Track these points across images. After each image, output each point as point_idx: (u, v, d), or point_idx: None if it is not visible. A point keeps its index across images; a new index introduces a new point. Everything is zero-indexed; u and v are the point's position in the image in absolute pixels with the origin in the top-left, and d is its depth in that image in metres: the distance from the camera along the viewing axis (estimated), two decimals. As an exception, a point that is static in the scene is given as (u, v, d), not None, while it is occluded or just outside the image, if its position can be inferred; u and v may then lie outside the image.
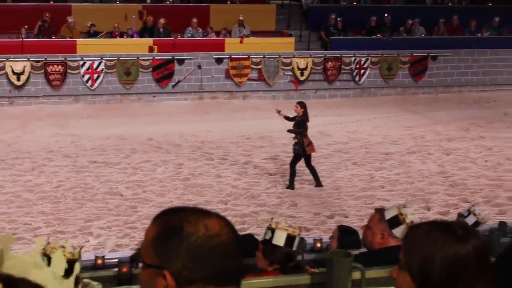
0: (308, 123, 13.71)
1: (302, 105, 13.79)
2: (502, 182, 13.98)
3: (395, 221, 4.87)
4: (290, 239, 5.01)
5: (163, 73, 20.27)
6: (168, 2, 22.72)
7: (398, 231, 4.83)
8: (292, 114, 13.89)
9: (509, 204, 12.78)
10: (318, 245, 6.97)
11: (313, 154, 14.12)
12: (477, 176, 14.40)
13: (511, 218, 11.43)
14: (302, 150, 13.45)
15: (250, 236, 6.30)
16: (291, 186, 13.53)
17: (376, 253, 4.92)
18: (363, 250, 5.44)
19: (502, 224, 7.71)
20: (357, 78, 21.68)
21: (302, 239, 6.10)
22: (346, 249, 6.12)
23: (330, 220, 11.90)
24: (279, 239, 5.03)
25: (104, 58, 19.75)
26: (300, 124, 13.54)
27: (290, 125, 13.83)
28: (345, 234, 6.55)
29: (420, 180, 14.04)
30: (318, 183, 13.62)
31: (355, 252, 5.37)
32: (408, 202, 12.76)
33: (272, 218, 5.19)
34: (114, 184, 13.50)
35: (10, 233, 2.13)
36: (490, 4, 25.24)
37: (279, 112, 13.97)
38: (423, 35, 23.33)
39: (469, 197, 13.05)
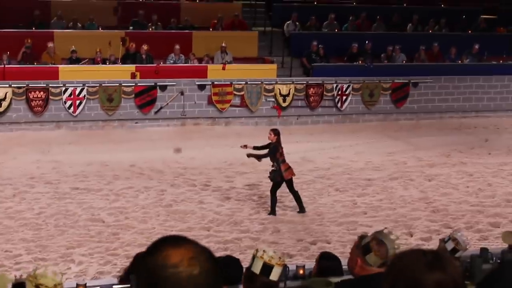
0: (284, 150, 13.67)
1: (275, 132, 13.80)
2: (483, 208, 14.06)
3: (367, 248, 4.88)
4: (266, 268, 4.98)
5: (145, 99, 20.26)
6: (150, 29, 22.78)
7: (369, 258, 4.83)
8: (259, 143, 13.88)
9: (490, 229, 12.85)
10: (301, 271, 6.97)
11: (295, 180, 14.15)
12: (459, 202, 14.48)
13: (492, 244, 11.49)
14: (280, 177, 13.43)
15: (233, 260, 6.27)
16: (273, 212, 13.53)
17: (357, 281, 4.92)
18: (347, 277, 5.45)
19: (483, 250, 7.74)
20: (339, 105, 21.78)
21: (284, 267, 6.09)
22: (326, 275, 6.13)
23: (313, 247, 11.90)
24: (256, 267, 5.03)
25: (87, 85, 19.71)
26: (272, 150, 13.52)
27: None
28: (324, 259, 6.56)
29: (402, 206, 14.10)
30: (301, 209, 13.63)
31: (336, 280, 5.37)
32: (391, 228, 12.80)
33: (264, 251, 5.17)
34: (96, 211, 13.45)
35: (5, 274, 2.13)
36: (469, 31, 25.51)
37: (245, 147, 13.89)
38: (404, 62, 23.52)
39: (451, 223, 13.11)
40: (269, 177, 13.63)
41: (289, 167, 13.59)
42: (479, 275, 6.57)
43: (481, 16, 26.45)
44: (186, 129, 20.32)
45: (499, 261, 7.34)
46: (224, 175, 16.18)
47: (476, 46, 24.04)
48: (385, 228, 5.41)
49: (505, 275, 2.60)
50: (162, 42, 21.70)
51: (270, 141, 13.66)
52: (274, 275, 4.97)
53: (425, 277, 2.31)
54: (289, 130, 20.77)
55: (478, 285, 2.84)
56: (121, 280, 6.30)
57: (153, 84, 20.34)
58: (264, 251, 5.09)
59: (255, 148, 13.85)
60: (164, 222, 12.94)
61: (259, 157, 13.84)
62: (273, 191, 13.59)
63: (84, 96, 19.70)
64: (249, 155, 13.89)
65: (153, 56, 21.32)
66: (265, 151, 13.65)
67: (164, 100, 20.40)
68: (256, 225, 12.93)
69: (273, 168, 13.53)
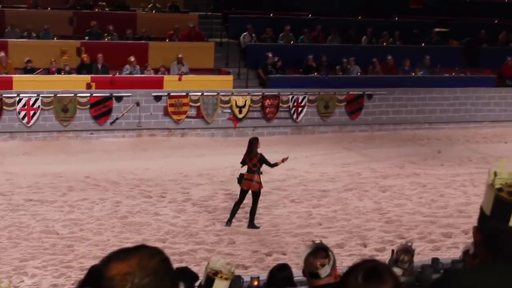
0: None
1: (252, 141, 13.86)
2: (436, 219, 14.26)
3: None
4: (208, 280, 5.02)
5: (101, 110, 20.17)
6: (106, 39, 22.68)
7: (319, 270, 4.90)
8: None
9: (443, 240, 13.04)
10: (255, 283, 7.02)
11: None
12: (412, 212, 14.67)
13: (445, 254, 11.67)
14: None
15: (189, 272, 6.29)
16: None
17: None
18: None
19: (434, 260, 7.88)
20: (294, 116, 21.94)
21: (238, 278, 6.14)
22: (279, 286, 6.19)
23: (268, 258, 11.95)
24: (203, 278, 5.08)
25: (41, 95, 19.56)
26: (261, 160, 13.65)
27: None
28: (278, 270, 6.62)
29: (357, 217, 14.23)
30: (252, 224, 13.64)
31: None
32: (345, 238, 12.94)
33: (208, 263, 5.20)
34: (50, 223, 13.31)
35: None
36: (423, 44, 25.90)
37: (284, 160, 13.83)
38: (358, 74, 23.80)
39: (405, 234, 13.27)
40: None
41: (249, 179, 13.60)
42: (428, 284, 6.71)
43: (434, 29, 26.87)
44: (142, 140, 20.27)
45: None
46: (180, 186, 16.16)
47: (428, 57, 24.40)
48: (318, 240, 5.47)
49: (450, 283, 2.68)
50: (118, 52, 21.62)
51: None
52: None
53: None
54: (245, 141, 20.75)
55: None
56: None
57: (109, 94, 20.26)
58: (208, 262, 5.11)
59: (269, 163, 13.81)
60: (120, 234, 12.87)
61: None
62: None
63: (39, 106, 19.54)
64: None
65: (109, 67, 21.23)
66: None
67: (120, 111, 20.33)
68: (212, 236, 12.94)
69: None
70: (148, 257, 2.18)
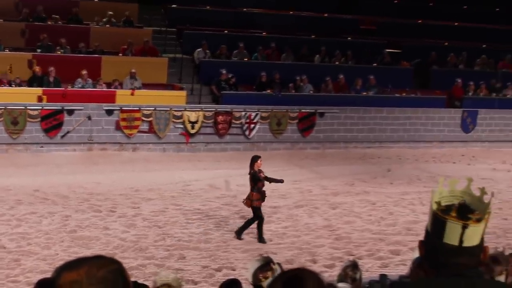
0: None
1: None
2: (385, 236, 14.42)
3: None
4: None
5: (52, 123, 19.99)
6: (59, 52, 22.49)
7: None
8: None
9: (391, 257, 13.19)
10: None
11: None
12: (362, 230, 14.80)
13: (393, 271, 11.80)
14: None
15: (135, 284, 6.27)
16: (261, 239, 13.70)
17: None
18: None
19: (382, 276, 7.98)
20: (247, 133, 22.02)
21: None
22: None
23: (218, 273, 11.94)
24: None
25: (-10, 107, 19.32)
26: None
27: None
28: (225, 286, 6.63)
29: (307, 234, 14.31)
30: (239, 234, 13.77)
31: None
32: (295, 254, 13.00)
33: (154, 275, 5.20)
34: (-3, 236, 13.12)
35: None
36: (374, 64, 26.24)
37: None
38: (311, 92, 23.99)
39: (354, 250, 13.39)
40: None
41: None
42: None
43: (386, 50, 27.26)
44: (93, 154, 20.13)
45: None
46: (130, 201, 16.06)
47: (372, 77, 24.68)
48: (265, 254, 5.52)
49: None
50: (71, 65, 21.44)
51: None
52: None
53: None
54: (197, 157, 20.87)
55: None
56: None
57: (60, 108, 20.10)
58: (158, 276, 5.10)
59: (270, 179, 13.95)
60: (68, 248, 12.74)
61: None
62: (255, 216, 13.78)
63: (-12, 118, 19.27)
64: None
65: (60, 80, 21.05)
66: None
67: (71, 125, 20.17)
68: (161, 251, 12.89)
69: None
70: (97, 266, 2.19)
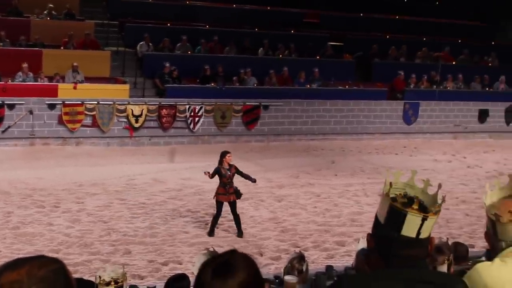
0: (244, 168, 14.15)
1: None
2: (330, 227, 14.55)
3: None
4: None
5: (-8, 118, 19.62)
6: (-2, 45, 22.08)
7: None
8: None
9: (336, 248, 13.32)
10: (152, 293, 7.01)
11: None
12: (307, 221, 14.92)
13: (338, 262, 11.93)
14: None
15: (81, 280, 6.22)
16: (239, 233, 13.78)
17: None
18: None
19: (329, 268, 8.07)
20: (191, 126, 21.97)
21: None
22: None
23: (165, 267, 11.91)
24: None
25: None
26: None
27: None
28: (172, 281, 6.62)
29: (252, 226, 14.36)
30: (240, 233, 13.79)
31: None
32: (241, 247, 13.04)
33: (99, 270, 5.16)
34: None
35: None
36: (317, 57, 26.42)
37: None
38: (255, 85, 24.04)
39: (300, 242, 13.49)
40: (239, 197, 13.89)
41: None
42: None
43: (328, 43, 27.47)
44: (35, 149, 19.82)
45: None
46: (74, 196, 15.88)
47: (317, 70, 24.88)
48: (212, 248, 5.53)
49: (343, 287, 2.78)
50: (11, 59, 21.05)
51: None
52: None
53: (215, 287, 2.39)
54: (141, 151, 20.75)
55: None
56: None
57: (1, 102, 19.72)
58: (99, 270, 5.06)
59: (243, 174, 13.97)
60: (11, 245, 12.53)
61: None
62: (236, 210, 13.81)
63: None
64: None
65: (0, 73, 20.65)
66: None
67: (12, 119, 19.82)
68: (107, 246, 12.79)
69: (236, 187, 13.79)
70: (38, 266, 2.19)
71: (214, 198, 13.87)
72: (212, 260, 2.47)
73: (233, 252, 2.49)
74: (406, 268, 2.73)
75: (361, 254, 6.71)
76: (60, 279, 2.22)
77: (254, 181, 14.19)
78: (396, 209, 2.75)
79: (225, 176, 13.71)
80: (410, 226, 2.73)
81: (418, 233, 2.74)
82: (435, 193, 2.86)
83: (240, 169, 13.98)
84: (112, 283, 4.87)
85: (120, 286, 4.87)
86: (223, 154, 13.87)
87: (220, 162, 13.80)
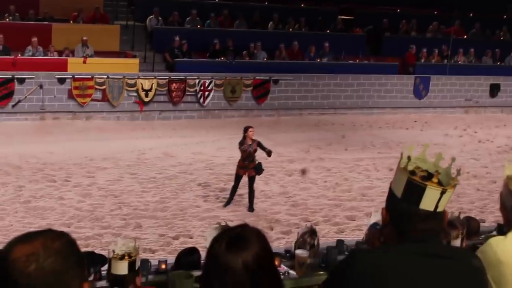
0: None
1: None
2: (340, 202, 14.55)
3: None
4: (109, 261, 4.98)
5: (2, 92, 19.62)
6: (7, 20, 22.03)
7: None
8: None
9: (346, 222, 13.33)
10: (163, 266, 7.01)
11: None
12: (317, 196, 14.91)
13: (349, 236, 11.94)
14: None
15: (97, 256, 6.23)
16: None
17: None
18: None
19: (339, 242, 8.06)
20: (201, 100, 21.93)
21: (145, 262, 6.12)
22: (187, 269, 6.21)
23: (175, 241, 11.94)
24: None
25: None
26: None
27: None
28: (183, 255, 6.62)
29: (263, 201, 14.37)
30: (252, 208, 13.79)
31: (198, 273, 5.46)
32: (252, 222, 13.05)
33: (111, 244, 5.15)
34: (-51, 208, 12.91)
35: None
36: (328, 31, 26.28)
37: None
38: (265, 59, 23.95)
39: (310, 217, 13.50)
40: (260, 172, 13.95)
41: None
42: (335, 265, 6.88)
43: (339, 17, 27.31)
44: (46, 124, 19.85)
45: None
46: (85, 170, 15.91)
47: (327, 44, 24.77)
48: (224, 222, 5.52)
49: (354, 262, 2.76)
50: (20, 33, 21.03)
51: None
52: (116, 269, 4.90)
53: (229, 259, 2.41)
54: (151, 125, 20.76)
55: (330, 273, 3.00)
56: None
57: (11, 76, 19.73)
58: (111, 244, 5.05)
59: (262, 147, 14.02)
60: (23, 219, 12.59)
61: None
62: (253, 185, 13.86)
63: None
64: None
65: (10, 48, 20.64)
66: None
67: (22, 94, 19.83)
68: (118, 220, 12.83)
69: (258, 162, 13.83)
70: (52, 239, 2.19)
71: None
72: (224, 234, 2.49)
73: (244, 226, 2.52)
74: (420, 243, 2.72)
75: (373, 228, 6.70)
76: (74, 251, 2.23)
77: (268, 154, 14.11)
78: (415, 182, 2.73)
79: (245, 150, 13.74)
80: (429, 200, 2.71)
81: (436, 206, 2.72)
82: (448, 166, 2.83)
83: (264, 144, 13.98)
84: (126, 257, 4.85)
85: (134, 260, 4.85)
86: (246, 129, 13.92)
87: (244, 137, 13.81)
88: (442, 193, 2.71)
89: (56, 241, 2.20)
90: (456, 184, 2.77)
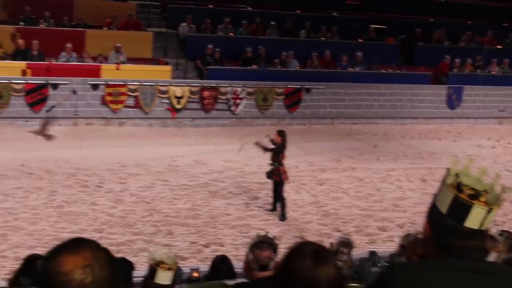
0: (285, 152, 14.04)
1: (281, 134, 14.01)
2: (372, 212, 14.46)
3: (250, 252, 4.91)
4: (152, 270, 4.98)
5: (36, 97, 19.80)
6: (42, 26, 22.26)
7: (251, 263, 4.88)
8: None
9: (378, 233, 13.23)
10: (195, 274, 7.01)
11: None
12: (349, 206, 14.83)
13: (380, 247, 11.85)
14: (278, 177, 13.71)
15: (126, 263, 6.24)
16: (283, 217, 13.69)
17: (251, 284, 4.97)
18: (241, 280, 5.52)
19: (372, 253, 7.99)
20: (233, 108, 21.95)
21: (177, 269, 6.11)
22: (220, 278, 6.20)
23: (206, 249, 11.94)
24: (148, 270, 5.04)
25: (-26, 81, 19.11)
26: (279, 150, 13.79)
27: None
28: (218, 262, 6.63)
29: (294, 210, 14.32)
30: (282, 216, 13.67)
31: (231, 282, 5.43)
32: (283, 231, 13.02)
33: (152, 253, 5.15)
34: (-17, 212, 13.03)
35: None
36: (360, 40, 26.19)
37: (257, 144, 14.08)
38: (297, 67, 23.92)
39: (341, 227, 13.43)
40: (268, 176, 14.01)
41: (286, 171, 13.93)
42: (368, 278, 6.80)
43: (371, 26, 27.20)
44: (79, 129, 19.99)
45: (386, 263, 7.60)
46: (117, 176, 15.99)
47: (359, 54, 24.69)
48: (266, 232, 5.51)
49: (394, 277, 2.72)
50: (55, 39, 21.26)
51: (276, 142, 13.88)
52: (161, 279, 4.92)
53: (317, 273, 2.42)
54: (183, 132, 20.81)
55: (369, 287, 2.96)
56: (11, 283, 6.16)
57: (45, 82, 19.91)
58: (152, 253, 5.06)
59: (264, 149, 14.12)
60: (55, 224, 12.67)
61: (265, 148, 14.08)
62: (280, 193, 13.82)
63: (-28, 92, 19.09)
64: (257, 143, 14.19)
65: (44, 53, 20.85)
66: (271, 146, 13.95)
67: (56, 99, 19.99)
68: (149, 227, 12.86)
69: (272, 167, 13.82)
70: (96, 249, 2.18)
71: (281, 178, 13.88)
72: (299, 250, 2.56)
73: (310, 242, 2.60)
74: (462, 258, 2.67)
75: (406, 240, 6.63)
76: (116, 260, 2.22)
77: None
78: (462, 200, 2.68)
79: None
80: (475, 218, 2.67)
81: (481, 224, 2.68)
82: (495, 184, 2.78)
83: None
84: (171, 267, 4.91)
85: (177, 270, 4.92)
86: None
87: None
88: (488, 212, 2.67)
89: (102, 252, 2.19)
90: (502, 204, 2.72)
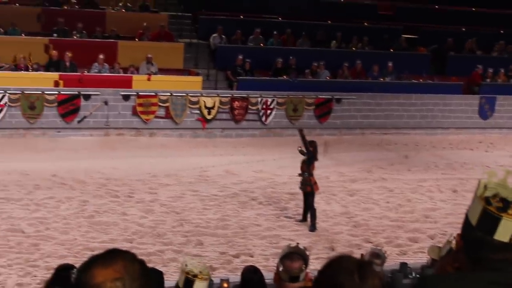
0: (316, 162, 14.21)
1: (312, 144, 14.00)
2: (402, 223, 14.35)
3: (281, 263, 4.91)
4: (187, 282, 4.99)
5: (68, 108, 19.99)
6: (75, 37, 22.48)
7: (282, 274, 4.87)
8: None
9: (409, 244, 13.13)
10: (225, 285, 7.01)
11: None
12: (379, 217, 14.74)
13: (411, 258, 11.76)
14: (310, 187, 13.74)
15: (156, 273, 6.25)
16: (313, 227, 13.67)
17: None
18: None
19: (403, 265, 7.94)
20: (263, 118, 21.96)
21: (209, 281, 6.12)
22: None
23: (236, 260, 11.93)
24: (181, 280, 5.05)
25: (8, 91, 19.32)
26: (311, 159, 13.97)
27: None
28: (248, 273, 6.61)
29: (324, 221, 14.26)
30: (313, 227, 13.66)
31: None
32: (313, 242, 12.97)
33: (186, 264, 5.15)
34: (16, 221, 13.15)
35: None
36: (391, 50, 26.08)
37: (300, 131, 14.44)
38: (327, 78, 23.87)
39: (372, 238, 13.34)
40: (300, 187, 14.12)
41: (316, 182, 13.98)
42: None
43: (403, 36, 27.09)
44: (110, 139, 20.13)
45: (418, 276, 7.53)
46: (148, 186, 16.07)
47: (391, 64, 24.58)
48: (297, 243, 5.48)
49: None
50: (87, 50, 21.46)
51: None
52: None
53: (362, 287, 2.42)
54: (213, 142, 20.86)
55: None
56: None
57: (77, 93, 20.09)
58: (186, 264, 5.08)
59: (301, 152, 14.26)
60: (86, 233, 12.75)
61: (306, 144, 14.20)
62: (311, 203, 13.85)
63: (5, 103, 19.30)
64: (301, 131, 14.48)
65: (77, 65, 21.05)
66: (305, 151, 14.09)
67: (88, 110, 20.16)
68: (179, 237, 12.89)
69: (302, 178, 14.00)
70: (130, 261, 2.18)
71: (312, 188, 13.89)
72: (341, 265, 2.55)
73: (348, 255, 2.61)
74: (495, 271, 2.63)
75: (446, 254, 6.57)
76: (150, 272, 2.22)
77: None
78: (490, 213, 2.64)
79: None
80: (504, 231, 2.62)
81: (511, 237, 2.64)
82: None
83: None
84: (206, 277, 4.95)
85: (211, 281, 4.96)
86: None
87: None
88: None
89: (135, 263, 2.18)
90: None
